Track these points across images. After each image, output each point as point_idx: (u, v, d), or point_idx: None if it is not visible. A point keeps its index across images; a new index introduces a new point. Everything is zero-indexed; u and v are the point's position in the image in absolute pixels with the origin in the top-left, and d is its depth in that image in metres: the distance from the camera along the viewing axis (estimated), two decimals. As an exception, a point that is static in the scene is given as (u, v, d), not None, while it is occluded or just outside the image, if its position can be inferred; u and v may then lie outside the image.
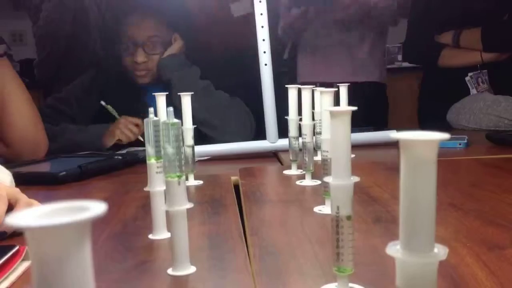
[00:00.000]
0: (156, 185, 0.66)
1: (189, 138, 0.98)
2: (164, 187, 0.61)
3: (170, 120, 0.53)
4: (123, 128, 1.46)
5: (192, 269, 0.56)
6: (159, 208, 0.67)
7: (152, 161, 0.66)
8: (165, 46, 1.58)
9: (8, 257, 0.56)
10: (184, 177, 0.54)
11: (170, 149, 0.53)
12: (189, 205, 0.54)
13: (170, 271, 0.56)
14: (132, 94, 1.59)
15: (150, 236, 0.68)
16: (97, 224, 0.23)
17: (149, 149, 0.66)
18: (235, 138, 1.37)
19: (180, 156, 0.53)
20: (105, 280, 0.54)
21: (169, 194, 0.53)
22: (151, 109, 0.66)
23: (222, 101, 1.55)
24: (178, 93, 0.98)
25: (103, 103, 1.54)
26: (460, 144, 1.28)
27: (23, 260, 0.58)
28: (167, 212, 0.55)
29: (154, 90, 1.57)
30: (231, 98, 1.58)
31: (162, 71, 1.55)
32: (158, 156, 0.65)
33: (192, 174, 1.00)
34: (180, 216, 0.54)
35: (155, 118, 0.65)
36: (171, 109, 0.54)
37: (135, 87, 1.60)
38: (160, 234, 0.68)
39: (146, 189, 0.67)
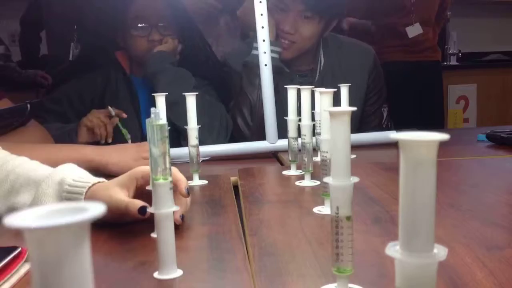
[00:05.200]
0: None
1: (193, 138, 0.98)
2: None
3: (155, 121, 0.52)
4: (96, 124, 1.42)
5: (179, 273, 0.55)
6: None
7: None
8: (176, 29, 1.57)
9: (10, 258, 0.56)
10: (169, 179, 0.53)
11: (155, 151, 0.52)
12: (175, 208, 0.53)
13: (156, 274, 0.55)
14: (123, 88, 1.58)
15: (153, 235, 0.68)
16: (96, 224, 0.23)
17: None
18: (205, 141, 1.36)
19: (165, 158, 0.52)
20: (105, 281, 0.54)
21: (155, 196, 0.53)
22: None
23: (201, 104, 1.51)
24: (183, 93, 0.98)
25: (110, 108, 1.50)
26: None
27: (25, 261, 0.57)
28: (154, 215, 0.54)
29: (143, 84, 1.58)
30: (210, 102, 1.55)
31: (148, 66, 1.51)
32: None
33: (197, 173, 1.00)
34: (166, 218, 0.54)
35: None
36: (155, 109, 0.52)
37: (125, 81, 1.58)
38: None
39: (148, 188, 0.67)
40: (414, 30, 2.39)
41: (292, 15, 1.51)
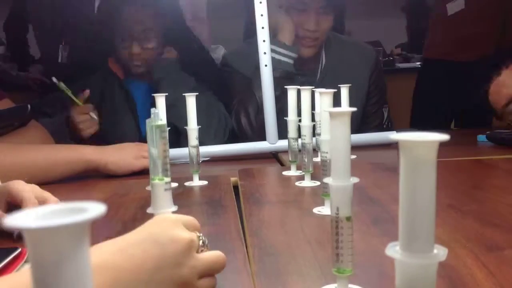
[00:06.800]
0: None
1: (193, 139, 0.98)
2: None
3: (154, 122, 0.52)
4: (81, 124, 1.42)
5: None
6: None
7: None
8: (159, 38, 1.56)
9: (10, 259, 0.56)
10: (168, 179, 0.53)
11: (154, 151, 0.52)
12: (174, 208, 0.53)
13: None
14: (118, 93, 1.57)
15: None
16: (96, 224, 0.23)
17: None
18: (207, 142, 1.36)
19: (165, 159, 0.52)
20: (105, 281, 0.54)
21: (154, 196, 0.53)
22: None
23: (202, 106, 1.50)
24: (183, 94, 0.98)
25: (54, 79, 1.47)
26: None
27: (25, 262, 0.57)
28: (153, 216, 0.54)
29: (139, 87, 1.57)
30: (209, 103, 1.55)
31: (154, 71, 1.53)
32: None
33: (197, 174, 1.00)
34: None
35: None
36: (154, 109, 0.53)
37: (120, 85, 1.58)
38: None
39: (148, 188, 0.67)
40: (454, 7, 2.07)
41: (313, 12, 1.51)
